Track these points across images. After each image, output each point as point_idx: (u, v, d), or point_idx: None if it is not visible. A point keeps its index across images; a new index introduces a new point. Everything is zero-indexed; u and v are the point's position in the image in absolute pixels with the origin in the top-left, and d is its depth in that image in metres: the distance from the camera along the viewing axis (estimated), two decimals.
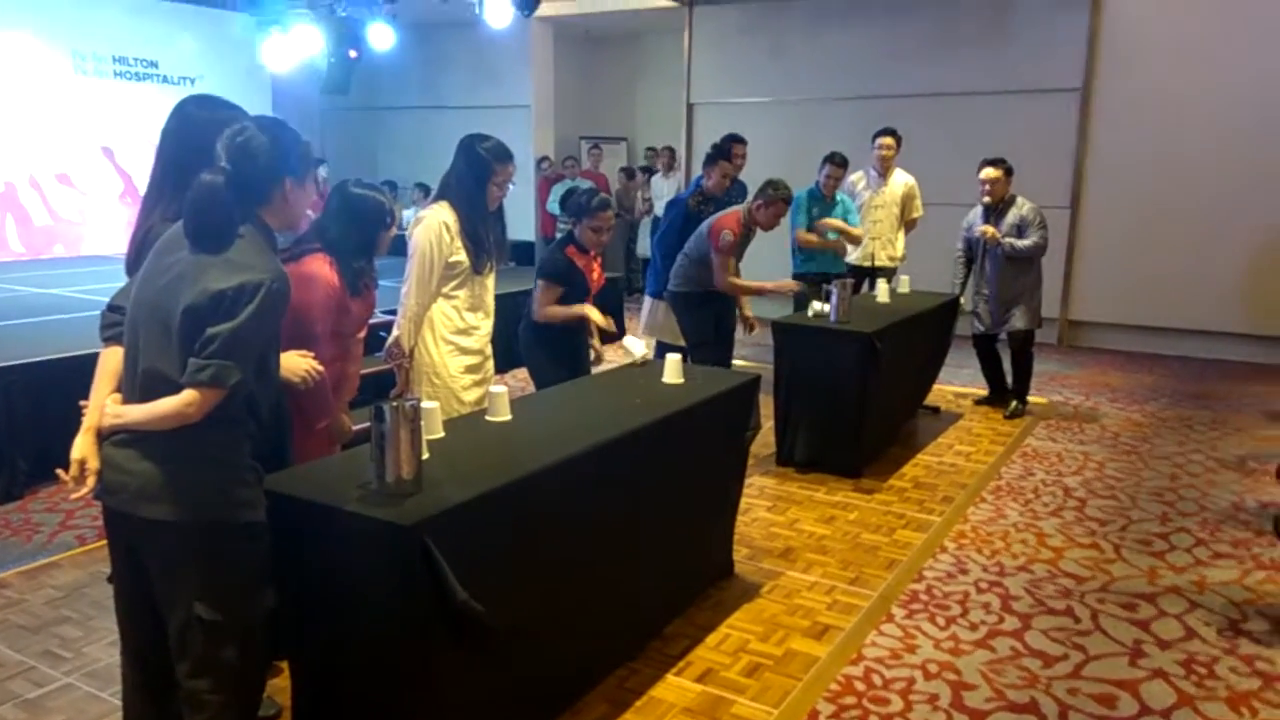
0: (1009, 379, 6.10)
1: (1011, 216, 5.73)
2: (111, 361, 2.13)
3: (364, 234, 2.97)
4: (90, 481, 2.05)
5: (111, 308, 2.23)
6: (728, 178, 5.72)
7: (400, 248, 3.42)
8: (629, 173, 11.54)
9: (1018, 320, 5.81)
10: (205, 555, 2.00)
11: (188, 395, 1.91)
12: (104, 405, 2.05)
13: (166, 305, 1.95)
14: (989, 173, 5.71)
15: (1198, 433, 5.75)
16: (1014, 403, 6.03)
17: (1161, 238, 8.10)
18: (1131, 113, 8.11)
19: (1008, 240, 5.68)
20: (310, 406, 2.91)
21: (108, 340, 2.19)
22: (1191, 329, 8.10)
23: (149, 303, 2.00)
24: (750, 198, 5.11)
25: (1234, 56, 7.69)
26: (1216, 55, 7.75)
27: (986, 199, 5.75)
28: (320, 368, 2.65)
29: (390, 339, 3.43)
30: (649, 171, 11.23)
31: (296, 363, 2.57)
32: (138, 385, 2.00)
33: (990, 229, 5.71)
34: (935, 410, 6.11)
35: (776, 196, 4.98)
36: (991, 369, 6.19)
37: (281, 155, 2.04)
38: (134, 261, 2.23)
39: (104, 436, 2.04)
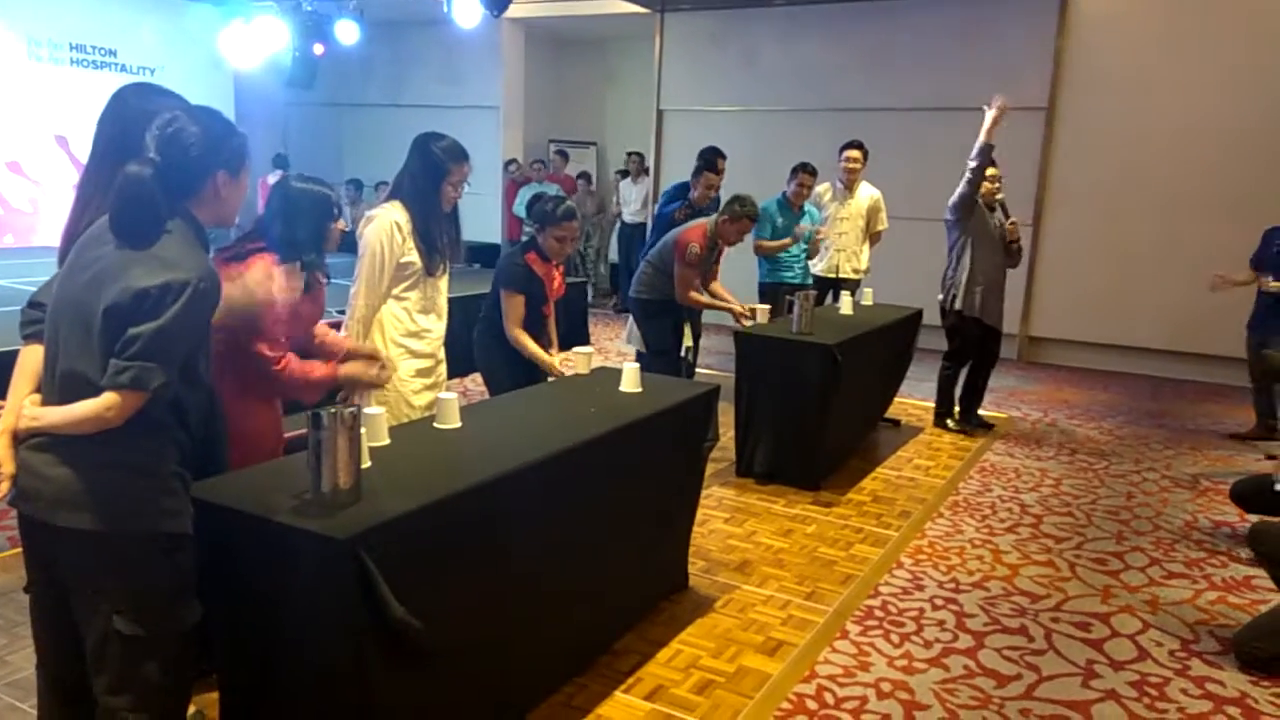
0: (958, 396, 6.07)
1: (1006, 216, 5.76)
2: (30, 360, 2.02)
3: (312, 228, 2.88)
4: (4, 487, 1.94)
5: (32, 304, 2.12)
6: (712, 189, 5.69)
7: (350, 245, 3.32)
8: (586, 178, 11.49)
9: (996, 317, 5.78)
10: (125, 566, 1.90)
11: (107, 398, 1.81)
12: (21, 406, 1.94)
13: (88, 303, 1.85)
14: (994, 171, 5.63)
15: (1153, 451, 5.80)
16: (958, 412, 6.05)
17: (1121, 256, 8.20)
18: (1094, 134, 8.20)
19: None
20: (281, 386, 2.80)
21: (27, 338, 2.08)
22: (1149, 348, 8.20)
23: (70, 300, 1.89)
24: (718, 212, 5.08)
25: (1196, 81, 7.81)
26: (1179, 80, 7.86)
27: (1000, 195, 5.71)
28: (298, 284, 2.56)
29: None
30: (623, 175, 11.19)
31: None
32: (57, 386, 1.90)
33: (1014, 222, 5.69)
34: (896, 424, 6.11)
35: (742, 213, 4.95)
36: (962, 382, 6.01)
37: (213, 147, 1.94)
38: (65, 255, 2.12)
39: (20, 439, 1.93)
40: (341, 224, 2.99)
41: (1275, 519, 3.70)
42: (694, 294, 5.11)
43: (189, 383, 1.93)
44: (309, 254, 2.85)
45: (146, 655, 1.93)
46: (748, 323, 5.17)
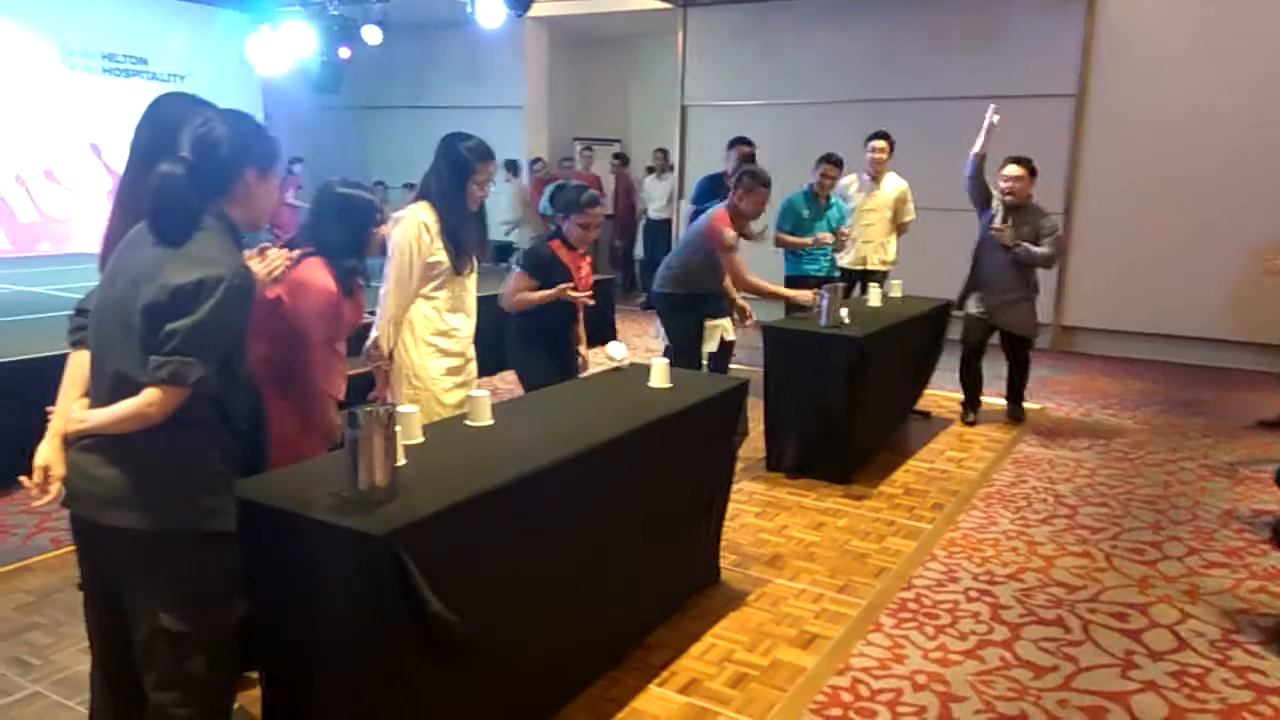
0: (983, 389, 6.01)
1: (1031, 221, 5.55)
2: (78, 366, 2.07)
3: (354, 233, 2.93)
4: (54, 489, 1.99)
5: (79, 311, 2.17)
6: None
7: (384, 248, 3.37)
8: (622, 159, 11.45)
9: (1012, 320, 5.73)
10: (171, 565, 1.94)
11: (148, 395, 1.84)
12: (69, 411, 1.98)
13: (128, 304, 1.89)
14: (1013, 170, 5.53)
15: (1190, 440, 5.72)
16: (1009, 407, 6.01)
17: (1154, 244, 8.09)
18: (1126, 119, 8.09)
19: (1024, 245, 5.51)
20: (308, 412, 2.87)
21: (75, 344, 2.13)
22: (1184, 335, 8.08)
23: (112, 303, 1.94)
24: (732, 191, 5.05)
25: (1229, 63, 7.68)
26: (1211, 62, 7.74)
27: (1009, 197, 5.56)
28: (285, 255, 2.56)
29: (369, 340, 3.37)
30: (648, 171, 11.17)
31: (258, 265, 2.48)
32: (106, 389, 1.94)
33: (1006, 230, 5.51)
34: (926, 415, 6.07)
35: (756, 183, 4.91)
36: (972, 375, 5.95)
37: (243, 146, 1.98)
38: (106, 261, 2.17)
39: (69, 442, 1.97)
40: (384, 229, 3.03)
41: None
42: (752, 279, 5.01)
43: (229, 380, 1.96)
44: (350, 259, 2.90)
45: (193, 652, 1.97)
46: (807, 299, 5.10)
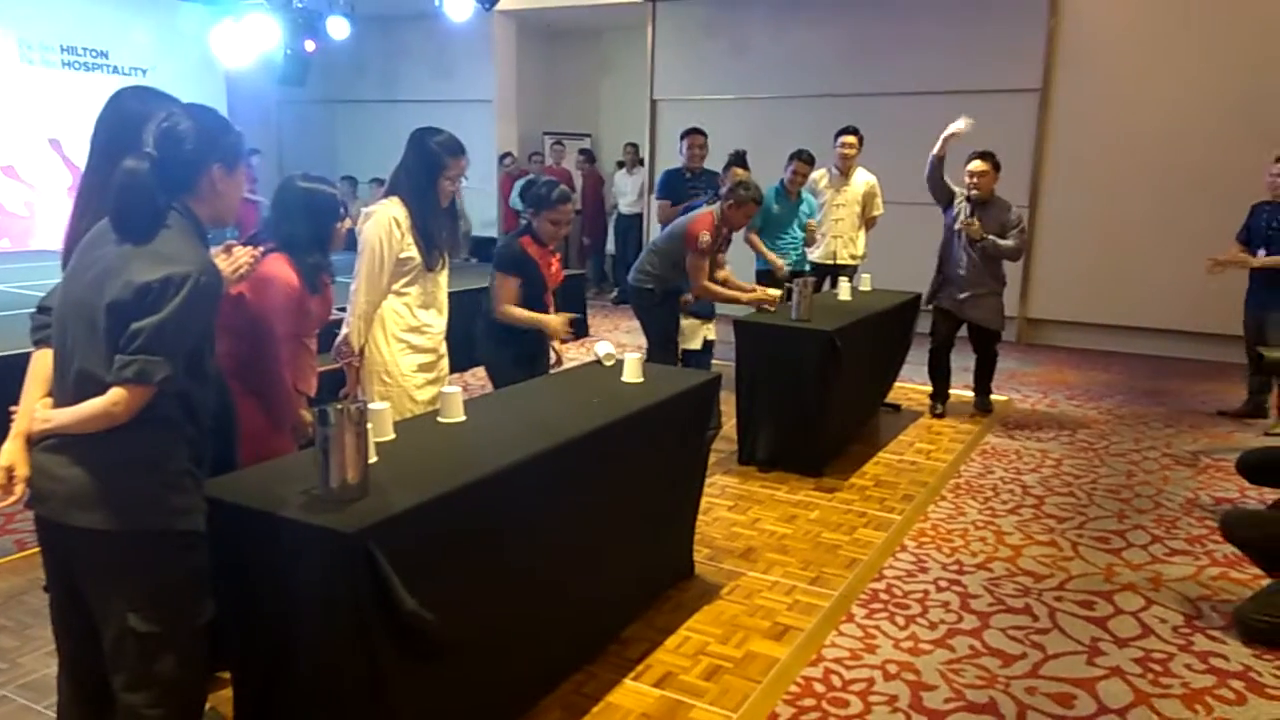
0: (949, 382, 6.08)
1: (997, 215, 5.64)
2: (42, 365, 2.04)
3: (317, 228, 2.90)
4: (19, 489, 1.96)
5: (41, 309, 2.14)
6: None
7: (351, 243, 3.34)
8: (588, 156, 11.42)
9: (978, 313, 5.80)
10: (139, 565, 1.92)
11: (114, 394, 1.82)
12: (33, 410, 1.95)
13: (92, 302, 1.86)
14: (977, 165, 5.61)
15: (1153, 430, 5.82)
16: (976, 399, 6.09)
17: (1118, 237, 8.22)
18: (1089, 114, 8.21)
19: (991, 238, 5.60)
20: (275, 408, 2.84)
21: (38, 343, 2.10)
22: (1147, 327, 8.22)
23: (75, 300, 1.91)
24: (722, 198, 5.07)
25: (1190, 59, 7.82)
26: (1173, 58, 7.87)
27: (974, 192, 5.64)
28: (250, 253, 2.52)
29: (340, 337, 3.34)
30: (619, 166, 11.15)
31: (224, 262, 2.44)
32: (70, 387, 1.91)
33: (975, 223, 5.59)
34: (896, 408, 6.13)
35: (747, 197, 4.94)
36: (941, 368, 6.02)
37: (209, 142, 1.96)
38: (68, 258, 2.14)
39: (34, 442, 1.94)
40: (347, 223, 3.00)
41: (1240, 506, 3.71)
42: (708, 284, 5.09)
43: (196, 377, 1.94)
44: (314, 254, 2.87)
45: (162, 652, 1.95)
46: (770, 307, 5.15)
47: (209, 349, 2.00)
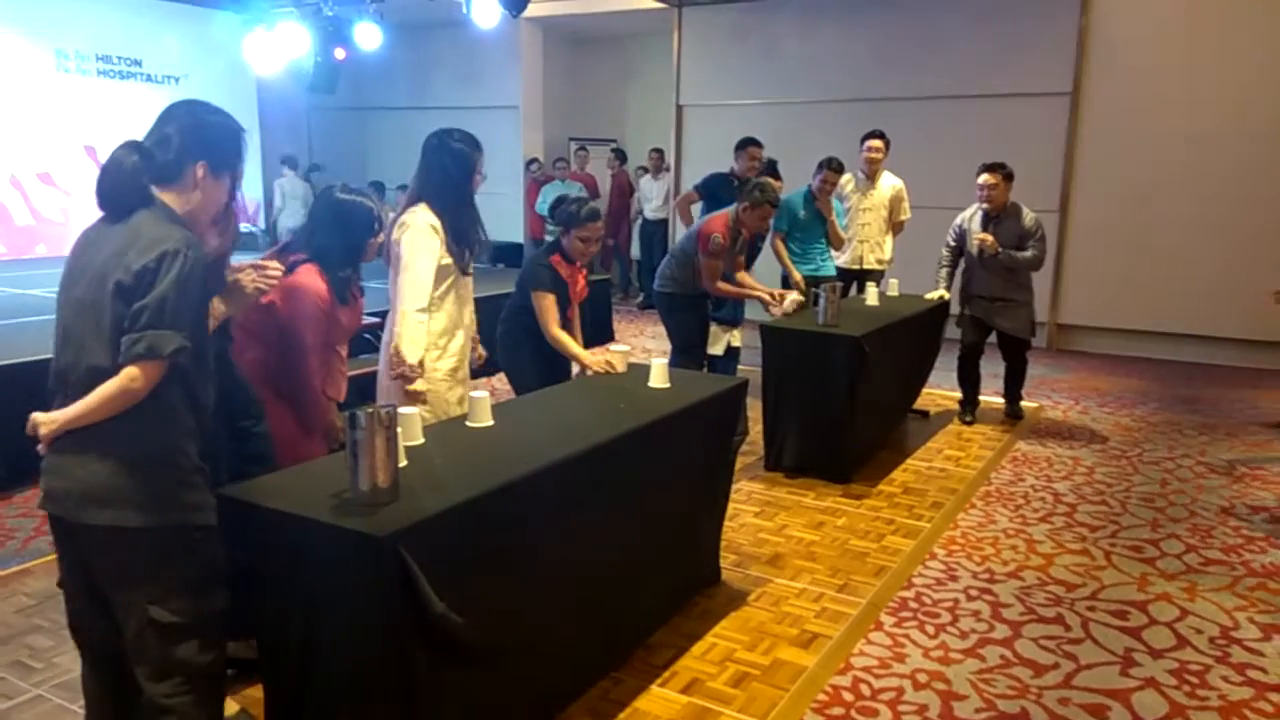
0: (980, 388, 6.02)
1: (1012, 226, 5.55)
2: None
3: (351, 242, 2.93)
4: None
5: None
6: (755, 160, 5.88)
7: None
8: (620, 155, 11.39)
9: (1008, 322, 5.74)
10: (157, 560, 1.97)
11: (129, 371, 1.87)
12: (34, 418, 1.97)
13: (96, 298, 1.92)
14: (987, 178, 5.52)
15: (1187, 437, 5.73)
16: (1007, 406, 6.03)
17: (1150, 241, 8.11)
18: (1121, 116, 8.11)
19: (1006, 251, 5.52)
20: (305, 413, 2.87)
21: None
22: (1180, 333, 8.10)
23: (77, 301, 1.97)
24: (738, 201, 5.07)
25: (1222, 60, 7.71)
26: (1206, 59, 7.76)
27: (986, 205, 5.58)
28: (278, 268, 2.51)
29: (390, 349, 3.19)
30: (643, 171, 11.15)
31: (244, 279, 2.42)
32: (82, 385, 1.93)
33: (989, 237, 5.52)
34: (925, 414, 6.08)
35: (762, 199, 4.93)
36: (970, 374, 5.96)
37: (200, 138, 2.02)
38: None
39: (47, 445, 1.98)
40: (381, 237, 3.02)
41: None
42: (722, 284, 5.10)
43: (195, 366, 1.98)
44: (345, 267, 2.90)
45: (183, 640, 2.01)
46: (776, 310, 5.15)
47: (205, 339, 2.04)
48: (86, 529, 1.94)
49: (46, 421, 1.94)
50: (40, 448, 1.97)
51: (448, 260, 3.25)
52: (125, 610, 2.00)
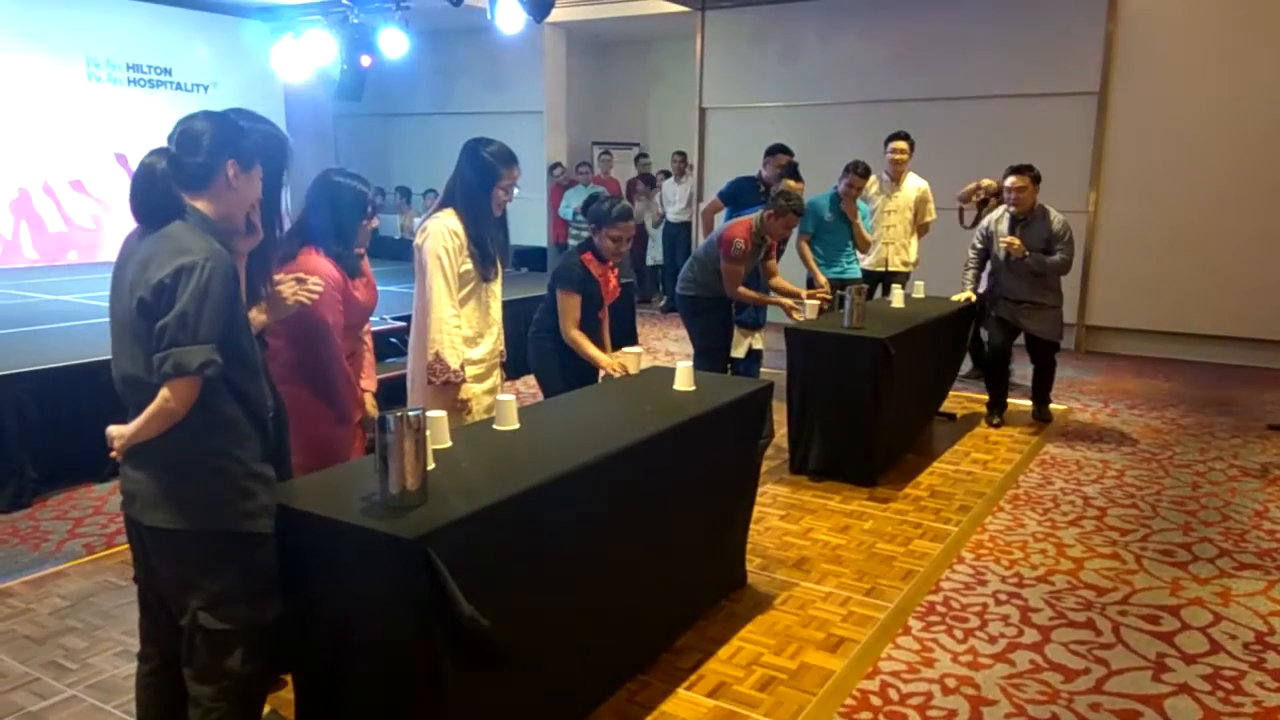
0: (1007, 391, 5.97)
1: (1039, 229, 5.51)
2: None
3: (340, 221, 2.95)
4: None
5: None
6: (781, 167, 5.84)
7: (397, 250, 3.38)
8: (648, 179, 11.39)
9: (1035, 324, 5.69)
10: (207, 564, 2.00)
11: (163, 393, 1.90)
12: (109, 432, 2.02)
13: (128, 313, 1.95)
14: (1015, 180, 5.47)
15: (1219, 440, 5.65)
16: (1035, 409, 5.98)
17: (1180, 242, 8.01)
18: (1149, 117, 8.02)
19: (1034, 255, 5.48)
20: (339, 399, 2.90)
21: None
22: (1211, 334, 7.99)
23: (116, 315, 2.01)
24: (764, 207, 5.07)
25: (1253, 60, 7.60)
26: (1235, 58, 7.66)
27: (1013, 208, 5.54)
28: (319, 281, 2.55)
29: (430, 356, 3.20)
30: (666, 175, 11.15)
31: (284, 290, 2.47)
32: (135, 394, 1.99)
33: (1016, 240, 5.48)
34: (951, 417, 6.03)
35: (788, 207, 4.93)
36: (998, 377, 5.94)
37: (225, 138, 2.03)
38: None
39: (123, 455, 2.03)
40: (374, 222, 3.08)
41: None
42: (743, 290, 5.10)
43: (243, 371, 2.00)
44: (338, 246, 2.93)
45: (230, 648, 2.03)
46: (797, 316, 5.15)
47: (250, 341, 2.05)
48: (149, 530, 2.00)
49: (118, 435, 2.00)
50: (113, 455, 2.03)
51: (468, 266, 3.27)
52: (179, 611, 2.05)
